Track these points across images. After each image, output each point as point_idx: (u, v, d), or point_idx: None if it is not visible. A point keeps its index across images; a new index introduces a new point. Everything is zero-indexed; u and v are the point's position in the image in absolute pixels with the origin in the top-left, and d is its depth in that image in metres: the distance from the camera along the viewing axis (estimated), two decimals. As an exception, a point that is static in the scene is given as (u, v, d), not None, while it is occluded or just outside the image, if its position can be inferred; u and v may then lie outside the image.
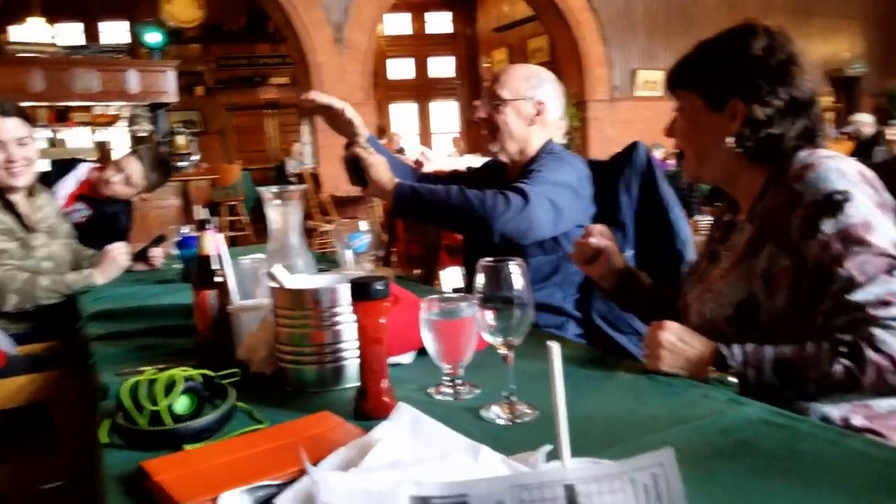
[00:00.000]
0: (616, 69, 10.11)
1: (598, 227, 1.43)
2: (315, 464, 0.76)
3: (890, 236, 1.04)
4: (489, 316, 0.94)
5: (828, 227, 1.05)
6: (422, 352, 1.18)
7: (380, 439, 0.78)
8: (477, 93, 12.63)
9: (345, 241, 1.40)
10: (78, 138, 9.22)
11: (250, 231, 8.48)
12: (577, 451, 0.77)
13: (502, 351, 0.97)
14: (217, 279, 1.25)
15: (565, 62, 9.98)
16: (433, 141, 13.63)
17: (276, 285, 1.10)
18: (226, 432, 0.94)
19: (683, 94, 1.24)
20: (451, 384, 1.05)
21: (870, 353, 0.97)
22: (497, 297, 0.95)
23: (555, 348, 0.54)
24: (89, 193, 2.96)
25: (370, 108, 8.65)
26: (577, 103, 9.72)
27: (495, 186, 1.66)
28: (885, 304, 0.99)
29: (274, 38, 12.81)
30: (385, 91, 13.82)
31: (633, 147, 1.85)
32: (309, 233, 7.52)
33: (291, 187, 1.28)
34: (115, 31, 12.57)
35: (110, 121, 9.64)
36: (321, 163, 8.39)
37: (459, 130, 13.46)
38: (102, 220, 2.92)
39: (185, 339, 1.37)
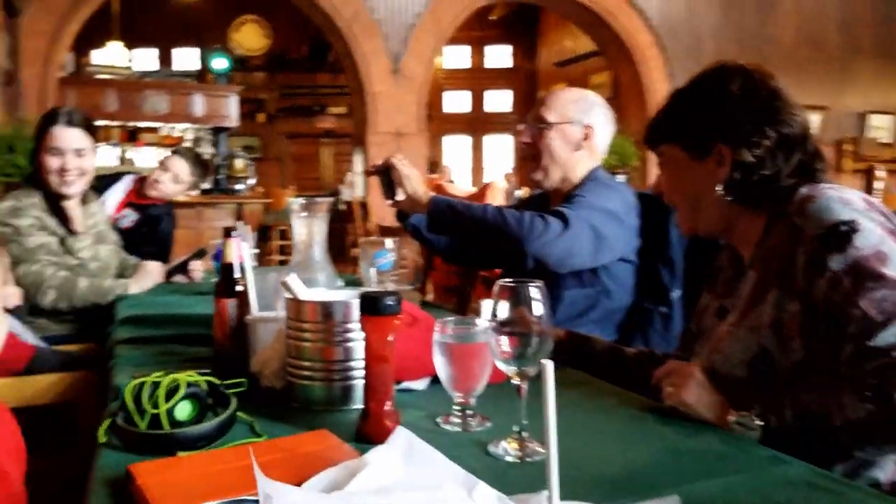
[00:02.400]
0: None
1: None
2: (300, 483, 0.72)
3: None
4: (504, 342, 0.89)
5: (836, 262, 0.96)
6: (437, 379, 1.14)
7: (370, 462, 0.74)
8: (532, 129, 12.60)
9: (370, 258, 1.37)
10: (145, 158, 9.57)
11: (300, 255, 8.56)
12: (590, 496, 0.71)
13: (516, 381, 0.91)
14: (237, 288, 1.24)
15: (628, 99, 9.88)
16: (484, 175, 13.65)
17: (290, 295, 1.08)
18: (223, 442, 0.91)
19: (664, 149, 1.19)
20: (461, 414, 0.99)
21: None
22: (514, 322, 0.89)
23: (548, 366, 0.48)
24: (136, 200, 3.09)
25: (423, 139, 8.71)
26: (638, 141, 9.59)
27: None
28: None
29: (334, 67, 13.13)
30: (440, 123, 13.96)
31: None
32: (354, 261, 7.57)
33: (318, 199, 1.26)
34: (187, 58, 13.09)
35: (175, 142, 9.98)
36: (370, 192, 8.47)
37: (514, 165, 13.45)
38: (147, 223, 3.07)
39: (207, 348, 1.36)
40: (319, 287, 1.23)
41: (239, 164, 9.10)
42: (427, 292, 3.08)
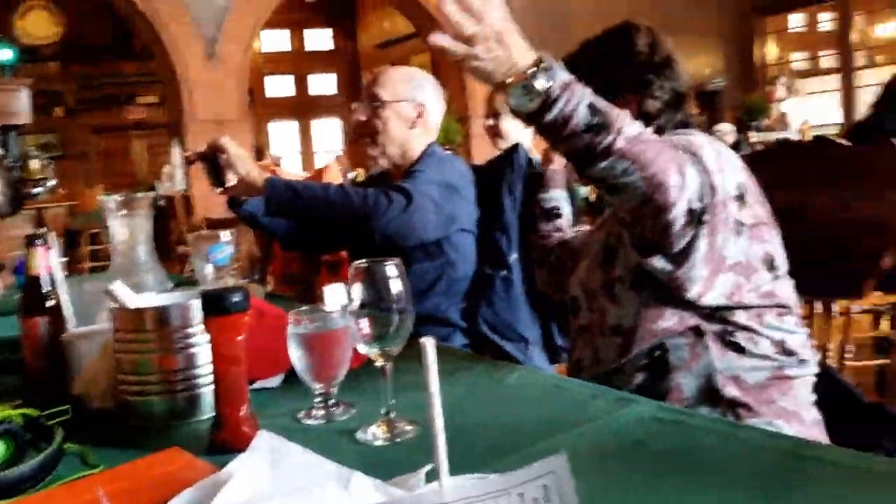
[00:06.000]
0: (495, 86, 10.24)
1: None
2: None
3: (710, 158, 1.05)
4: (364, 324, 0.85)
5: None
6: (291, 373, 1.07)
7: (234, 474, 0.67)
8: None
9: (204, 253, 1.26)
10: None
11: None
12: (463, 467, 0.69)
13: (379, 362, 0.87)
14: (48, 303, 1.08)
15: (448, 79, 10.00)
16: (316, 159, 13.38)
17: (116, 305, 0.96)
18: (53, 480, 0.79)
19: None
20: (323, 405, 0.94)
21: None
22: (373, 303, 0.85)
23: (429, 344, 0.45)
24: None
25: (247, 126, 8.35)
26: (460, 119, 9.80)
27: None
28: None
29: (142, 55, 12.19)
30: (263, 109, 13.45)
31: (513, 150, 1.82)
32: (181, 259, 7.08)
33: (139, 194, 1.14)
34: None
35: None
36: (193, 184, 7.98)
37: (343, 148, 13.27)
38: None
39: (14, 376, 1.18)
40: (148, 291, 1.11)
41: (34, 164, 8.16)
42: (266, 282, 2.95)
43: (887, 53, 8.90)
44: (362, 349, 0.87)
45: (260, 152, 9.48)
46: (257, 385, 1.05)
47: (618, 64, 1.19)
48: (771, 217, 1.14)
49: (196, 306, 0.93)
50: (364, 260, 0.85)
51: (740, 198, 1.08)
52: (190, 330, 0.94)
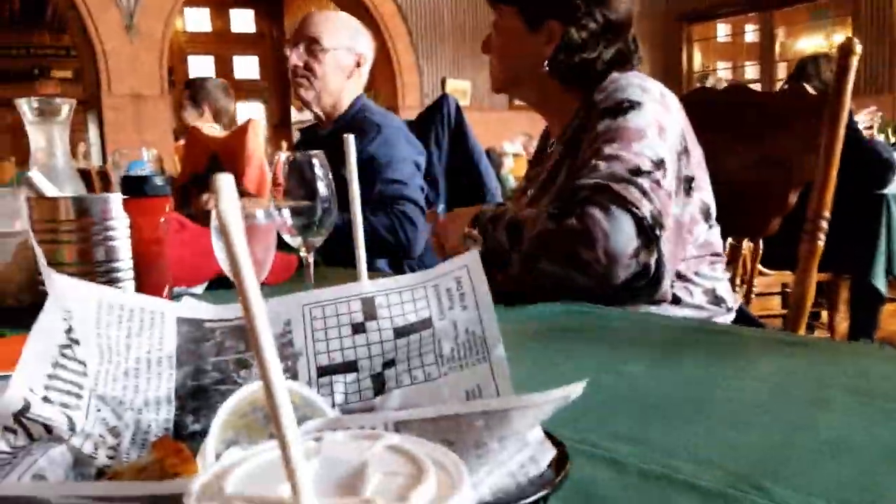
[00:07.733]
0: (426, 77, 10.33)
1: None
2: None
3: (654, 152, 1.00)
4: (287, 213, 0.87)
5: (603, 125, 1.03)
6: (213, 285, 1.08)
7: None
8: (284, 94, 12.26)
9: (123, 170, 1.23)
10: None
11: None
12: None
13: (303, 253, 0.89)
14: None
15: (378, 68, 9.98)
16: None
17: (34, 194, 0.94)
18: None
19: (501, 8, 1.18)
20: (248, 301, 0.95)
21: (573, 221, 0.94)
22: (296, 194, 0.87)
23: (349, 139, 0.47)
24: None
25: (166, 103, 8.08)
26: (389, 108, 9.79)
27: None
28: (602, 189, 0.95)
29: (53, 26, 11.62)
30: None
31: (441, 100, 1.85)
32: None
33: (57, 100, 1.11)
34: None
35: None
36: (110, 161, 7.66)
37: (267, 133, 13.00)
38: None
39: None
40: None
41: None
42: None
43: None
44: (287, 239, 0.88)
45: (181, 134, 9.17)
46: (179, 290, 1.05)
47: None
48: (702, 156, 1.14)
49: (116, 200, 0.92)
50: (290, 153, 0.86)
51: (685, 150, 1.07)
52: (111, 223, 0.93)
